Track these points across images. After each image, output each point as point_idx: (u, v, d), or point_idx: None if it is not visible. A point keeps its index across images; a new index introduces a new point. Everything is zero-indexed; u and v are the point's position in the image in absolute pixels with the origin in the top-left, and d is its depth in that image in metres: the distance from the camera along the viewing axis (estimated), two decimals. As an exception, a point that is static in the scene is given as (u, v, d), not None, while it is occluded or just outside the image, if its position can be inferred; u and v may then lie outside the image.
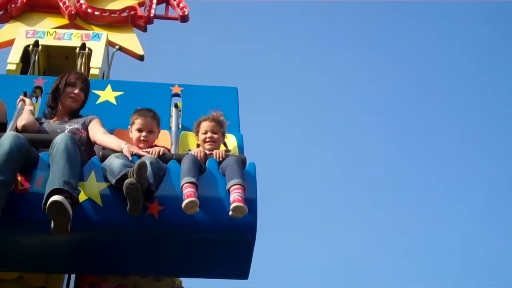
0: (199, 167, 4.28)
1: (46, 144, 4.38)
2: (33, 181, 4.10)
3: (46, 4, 7.32)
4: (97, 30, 7.15)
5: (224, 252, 4.30)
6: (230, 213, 4.02)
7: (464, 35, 18.53)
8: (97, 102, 5.42)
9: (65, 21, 7.24)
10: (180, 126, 5.28)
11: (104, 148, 4.57)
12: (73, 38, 6.81)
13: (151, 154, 4.40)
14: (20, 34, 6.72)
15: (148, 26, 7.50)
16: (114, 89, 5.57)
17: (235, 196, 4.05)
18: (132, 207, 3.93)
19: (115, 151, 4.40)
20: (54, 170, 3.89)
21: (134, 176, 3.83)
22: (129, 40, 7.26)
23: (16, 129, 4.64)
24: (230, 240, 4.21)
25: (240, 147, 5.11)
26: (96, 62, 6.62)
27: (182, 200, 4.04)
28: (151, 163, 4.13)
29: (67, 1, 7.25)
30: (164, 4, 7.82)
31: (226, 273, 4.49)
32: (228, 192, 4.15)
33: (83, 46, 6.72)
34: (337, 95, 18.60)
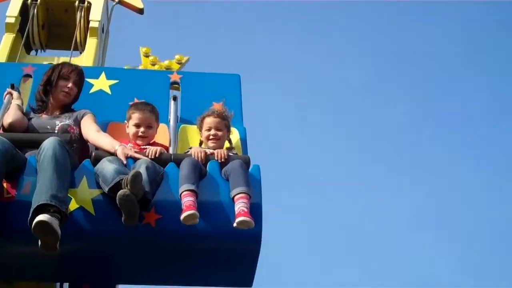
0: (199, 171, 3.97)
1: (34, 144, 4.08)
2: (20, 188, 3.80)
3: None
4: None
5: (227, 262, 4.02)
6: (235, 225, 3.72)
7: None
8: (90, 92, 5.09)
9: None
10: (179, 119, 4.95)
11: (97, 147, 4.25)
12: None
13: (148, 155, 4.09)
14: (19, -13, 6.47)
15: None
16: (108, 77, 5.23)
17: (240, 207, 3.75)
18: (127, 218, 3.64)
19: (108, 152, 4.09)
20: (41, 181, 3.58)
21: (128, 186, 3.52)
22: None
23: (3, 127, 4.32)
24: (233, 249, 3.92)
25: (244, 141, 4.80)
26: (96, 15, 6.55)
27: (181, 210, 3.74)
28: (147, 168, 3.82)
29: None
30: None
31: (228, 281, 4.21)
32: (232, 200, 3.84)
33: None
34: (344, 80, 18.21)
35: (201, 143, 4.63)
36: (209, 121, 4.55)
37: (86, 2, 6.62)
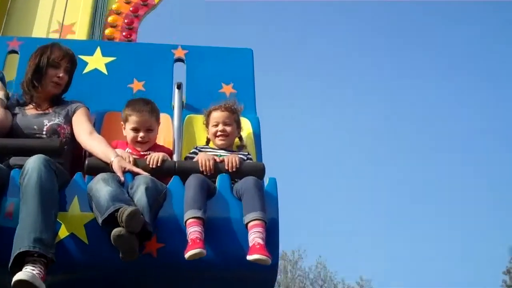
0: (207, 190, 3.46)
1: (19, 152, 3.58)
2: (2, 210, 3.32)
3: None
4: None
5: (238, 289, 3.59)
6: (248, 257, 3.25)
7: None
8: (84, 72, 4.48)
9: None
10: (184, 104, 4.38)
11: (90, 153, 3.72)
12: None
13: (149, 164, 3.58)
14: None
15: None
16: (104, 54, 4.61)
17: (255, 239, 3.26)
18: (124, 256, 3.17)
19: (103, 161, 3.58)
20: (25, 217, 3.09)
21: (123, 225, 3.03)
22: None
23: (-17, 128, 3.78)
24: (245, 279, 3.47)
25: (256, 134, 4.26)
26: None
27: (186, 240, 3.26)
28: (146, 189, 3.32)
29: None
30: None
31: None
32: (246, 227, 3.36)
33: None
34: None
35: (208, 141, 4.10)
36: (216, 115, 4.01)
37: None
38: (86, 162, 3.60)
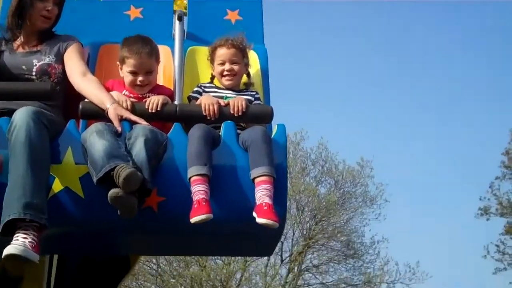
0: (212, 141, 3.21)
1: (7, 96, 3.31)
2: (-8, 163, 3.09)
3: None
4: None
5: (245, 241, 3.43)
6: (257, 220, 3.05)
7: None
8: (76, -4, 4.13)
9: None
10: (185, 34, 4.04)
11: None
12: None
13: (148, 108, 3.31)
14: None
15: None
16: (98, -24, 4.22)
17: (263, 198, 3.05)
18: (123, 214, 2.97)
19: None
20: (14, 180, 2.87)
21: (121, 186, 2.81)
22: None
23: (-33, 67, 3.48)
24: (251, 232, 3.27)
25: (264, 67, 3.94)
26: None
27: (188, 193, 3.05)
28: (145, 141, 3.07)
29: None
30: None
31: (247, 254, 3.66)
32: (252, 181, 3.13)
33: None
34: None
35: (212, 78, 3.80)
36: (222, 52, 3.69)
37: None
38: (80, 106, 3.33)
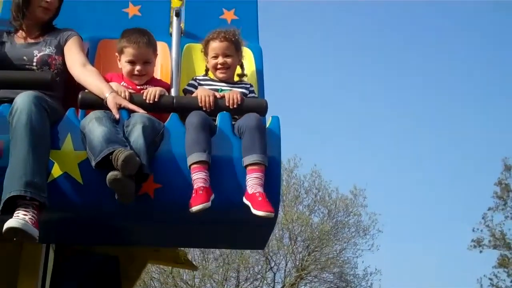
0: (209, 129, 3.29)
1: (8, 84, 3.39)
2: (-8, 148, 3.16)
3: None
4: None
5: (239, 230, 3.50)
6: (253, 211, 3.13)
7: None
8: (76, -8, 4.23)
9: None
10: (183, 31, 4.14)
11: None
12: None
13: (146, 99, 3.40)
14: None
15: None
16: (97, -25, 4.32)
17: (254, 187, 3.13)
18: (120, 198, 3.05)
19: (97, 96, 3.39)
20: (15, 160, 2.94)
21: (120, 169, 2.89)
22: None
23: (-31, 57, 3.56)
24: (246, 219, 3.33)
25: (259, 65, 4.04)
26: None
27: (187, 184, 3.13)
28: (143, 128, 3.16)
29: None
30: None
31: (240, 246, 3.73)
32: (245, 168, 3.22)
33: None
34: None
35: (207, 70, 3.89)
36: (215, 46, 3.78)
37: None
38: (80, 96, 3.42)
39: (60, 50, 3.64)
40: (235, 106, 3.45)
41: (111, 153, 2.96)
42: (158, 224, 3.40)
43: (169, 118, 3.38)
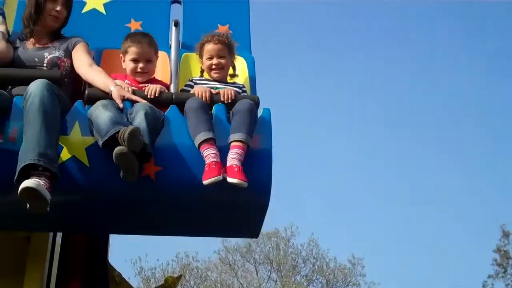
0: (208, 112, 3.60)
1: (21, 81, 3.68)
2: (6, 135, 3.42)
3: None
4: None
5: (233, 214, 3.72)
6: (228, 179, 3.37)
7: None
8: (83, 11, 4.60)
9: None
10: (180, 44, 4.49)
11: (90, 84, 3.84)
12: None
13: (147, 94, 3.70)
14: None
15: None
16: (102, -5, 4.70)
17: (233, 162, 3.39)
18: (125, 175, 3.31)
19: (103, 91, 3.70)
20: (28, 136, 3.21)
21: (125, 143, 3.16)
22: None
23: (-15, 59, 3.87)
24: (239, 202, 3.60)
25: (252, 73, 4.37)
26: None
27: (184, 168, 3.40)
28: (145, 114, 3.44)
29: None
30: None
31: (234, 233, 3.97)
32: (229, 146, 3.50)
33: None
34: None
35: (202, 71, 4.21)
36: (209, 48, 4.11)
37: None
38: (86, 92, 3.72)
39: (68, 54, 3.97)
40: (229, 101, 3.75)
41: (117, 132, 3.24)
42: (158, 207, 3.63)
43: (168, 109, 3.67)
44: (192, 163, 3.48)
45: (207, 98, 3.73)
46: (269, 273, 21.88)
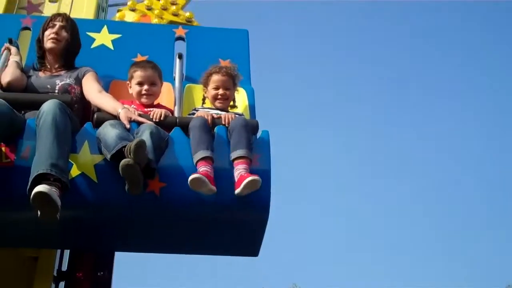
0: (210, 131, 3.81)
1: (33, 105, 3.90)
2: (19, 153, 3.63)
3: None
4: None
5: (233, 231, 3.90)
6: (237, 191, 3.57)
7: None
8: (92, 46, 4.86)
9: None
10: (184, 77, 4.74)
11: (99, 109, 4.07)
12: None
13: (152, 118, 3.92)
14: None
15: None
16: (110, 32, 4.98)
17: (240, 172, 3.60)
18: (131, 188, 3.49)
19: (111, 114, 3.92)
20: (41, 149, 3.42)
21: (131, 155, 3.35)
22: None
23: (0, 85, 4.12)
24: (240, 219, 3.79)
25: (251, 103, 4.61)
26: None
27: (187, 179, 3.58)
28: (151, 133, 3.65)
29: None
30: None
31: (234, 251, 4.11)
32: (232, 163, 3.69)
33: None
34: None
35: (204, 99, 4.44)
36: (217, 78, 4.35)
37: None
38: (95, 115, 3.94)
39: (78, 82, 4.21)
40: (230, 124, 3.97)
41: (124, 147, 3.44)
42: (161, 223, 3.79)
43: (173, 130, 3.88)
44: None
45: (209, 121, 3.94)
46: None
